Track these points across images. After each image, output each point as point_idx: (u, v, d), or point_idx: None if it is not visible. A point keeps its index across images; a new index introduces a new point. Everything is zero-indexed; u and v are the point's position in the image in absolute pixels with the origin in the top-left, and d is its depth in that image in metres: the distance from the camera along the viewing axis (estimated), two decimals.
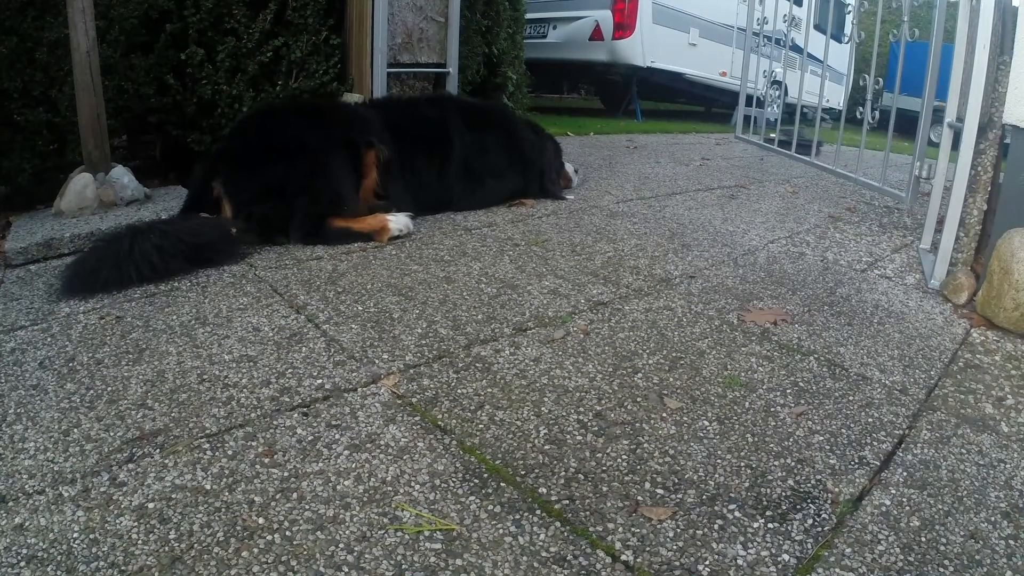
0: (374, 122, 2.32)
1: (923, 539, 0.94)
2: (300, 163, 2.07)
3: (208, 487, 0.96)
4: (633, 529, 0.93)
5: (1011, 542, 0.94)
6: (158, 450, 1.04)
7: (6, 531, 0.87)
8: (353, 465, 1.03)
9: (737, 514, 0.97)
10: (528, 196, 2.83)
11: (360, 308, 1.61)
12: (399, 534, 0.89)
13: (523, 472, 1.03)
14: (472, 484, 1.00)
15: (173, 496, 0.94)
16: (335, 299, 1.66)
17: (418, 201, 2.43)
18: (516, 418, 1.18)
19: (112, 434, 1.08)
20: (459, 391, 1.26)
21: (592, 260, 2.08)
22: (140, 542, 0.85)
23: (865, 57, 3.41)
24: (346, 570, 0.83)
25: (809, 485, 1.05)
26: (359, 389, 1.25)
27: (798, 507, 0.99)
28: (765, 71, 4.29)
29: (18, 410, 1.14)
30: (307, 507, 0.93)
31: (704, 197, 3.21)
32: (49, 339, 1.41)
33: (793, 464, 1.10)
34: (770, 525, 0.95)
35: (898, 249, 2.48)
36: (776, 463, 1.10)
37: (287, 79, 2.86)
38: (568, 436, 1.14)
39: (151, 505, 0.92)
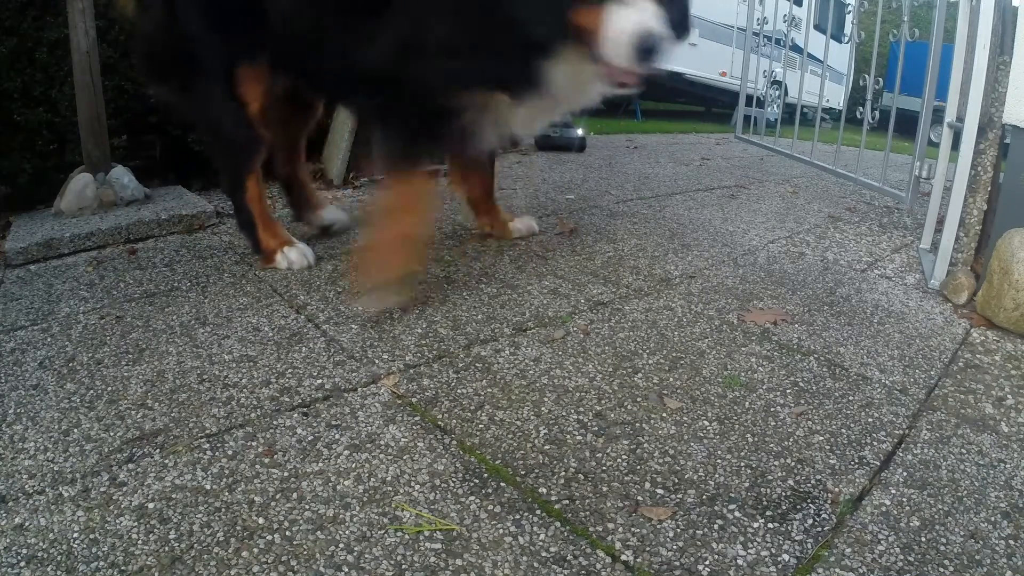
0: None
1: (923, 539, 0.94)
2: None
3: (208, 487, 0.96)
4: (633, 529, 0.93)
5: (1011, 542, 0.94)
6: (158, 450, 1.04)
7: (6, 531, 0.87)
8: (353, 465, 1.03)
9: (737, 514, 0.97)
10: None
11: (360, 308, 1.61)
12: (399, 534, 0.89)
13: (523, 472, 1.03)
14: (472, 484, 1.00)
15: (173, 496, 0.94)
16: (335, 299, 1.66)
17: None
18: (516, 418, 1.18)
19: (112, 434, 1.08)
20: (459, 391, 1.26)
21: (592, 260, 2.08)
22: (140, 542, 0.86)
23: (865, 57, 3.40)
24: (346, 570, 0.83)
25: (809, 485, 1.05)
26: (359, 389, 1.25)
27: (798, 507, 0.99)
28: (765, 71, 4.29)
29: (18, 410, 1.14)
30: (307, 507, 0.93)
31: (704, 197, 3.20)
32: (49, 339, 1.41)
33: (793, 464, 1.10)
34: (770, 525, 0.95)
35: (898, 249, 2.48)
36: (776, 463, 1.10)
37: None
38: (568, 436, 1.14)
39: (151, 505, 0.92)
